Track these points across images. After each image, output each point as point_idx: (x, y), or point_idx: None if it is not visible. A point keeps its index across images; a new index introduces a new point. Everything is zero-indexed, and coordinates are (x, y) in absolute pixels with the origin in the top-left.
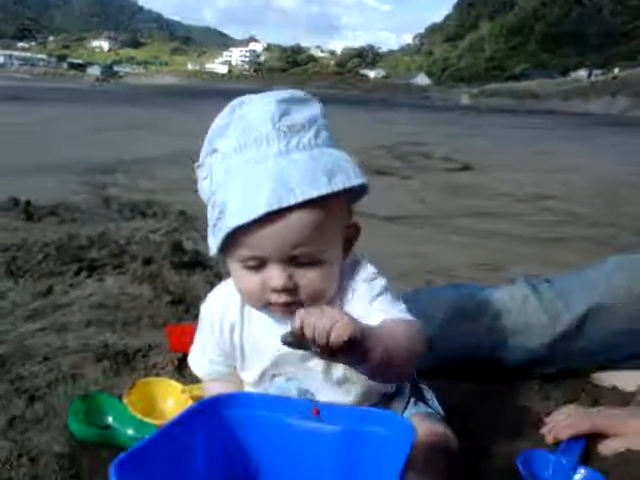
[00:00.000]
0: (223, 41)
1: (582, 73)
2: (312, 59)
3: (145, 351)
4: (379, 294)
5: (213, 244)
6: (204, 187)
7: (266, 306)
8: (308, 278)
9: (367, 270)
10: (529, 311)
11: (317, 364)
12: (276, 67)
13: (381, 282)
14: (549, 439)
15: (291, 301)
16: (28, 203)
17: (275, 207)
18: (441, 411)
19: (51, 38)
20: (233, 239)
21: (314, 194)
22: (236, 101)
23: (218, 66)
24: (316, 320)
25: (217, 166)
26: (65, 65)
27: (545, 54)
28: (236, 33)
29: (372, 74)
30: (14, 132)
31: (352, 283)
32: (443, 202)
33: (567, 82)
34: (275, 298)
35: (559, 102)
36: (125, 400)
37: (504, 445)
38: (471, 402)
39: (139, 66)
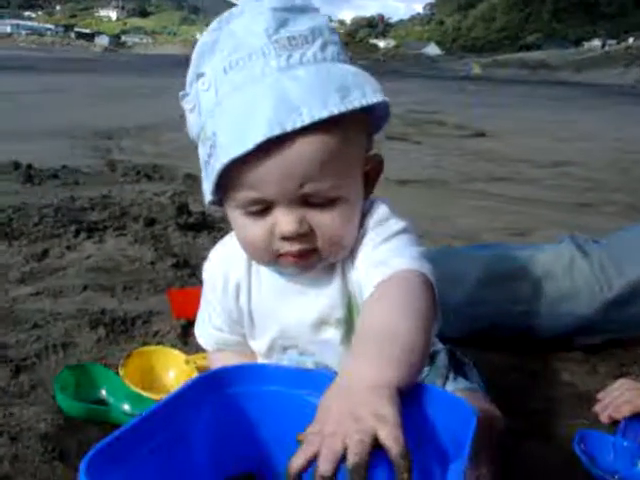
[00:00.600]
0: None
1: (596, 43)
2: None
3: (145, 317)
4: (391, 236)
5: (207, 188)
6: (192, 121)
7: (276, 260)
8: (324, 220)
9: (379, 210)
10: (576, 274)
11: (334, 334)
12: None
13: (396, 224)
14: (604, 418)
15: (306, 248)
16: (29, 166)
17: (277, 132)
18: (481, 383)
19: (58, 7)
20: (229, 179)
21: (324, 114)
22: (224, 15)
23: None
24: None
25: (205, 93)
26: (73, 35)
27: (558, 24)
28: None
29: (382, 44)
30: (19, 100)
31: (364, 227)
32: (459, 167)
33: (580, 52)
34: (287, 247)
35: (572, 73)
36: (121, 371)
37: (552, 425)
38: (506, 376)
39: (147, 36)
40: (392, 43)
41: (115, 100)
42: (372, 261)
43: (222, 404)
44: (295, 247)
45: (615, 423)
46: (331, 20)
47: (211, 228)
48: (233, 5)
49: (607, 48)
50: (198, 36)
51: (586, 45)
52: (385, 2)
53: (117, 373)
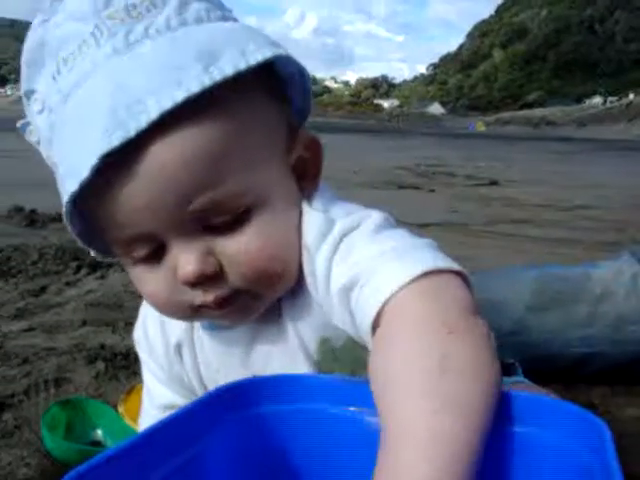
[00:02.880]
0: None
1: (597, 100)
2: (327, 90)
3: None
4: (358, 229)
5: (81, 243)
6: (45, 157)
7: (197, 313)
8: (235, 247)
9: (309, 221)
10: None
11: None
12: None
13: (367, 223)
14: None
15: (226, 293)
16: (33, 211)
17: (116, 142)
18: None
19: None
20: (90, 222)
21: (178, 98)
22: (45, 4)
23: None
24: None
25: (39, 117)
26: None
27: (559, 82)
28: None
29: (386, 104)
30: (23, 156)
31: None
32: (476, 211)
33: (582, 109)
34: (200, 297)
35: (575, 129)
36: (120, 408)
37: (628, 465)
38: None
39: None
40: (396, 103)
41: None
42: (342, 283)
43: (248, 425)
44: (210, 295)
45: None
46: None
47: None
48: None
49: (608, 104)
50: None
51: (587, 102)
52: (389, 63)
53: (116, 410)
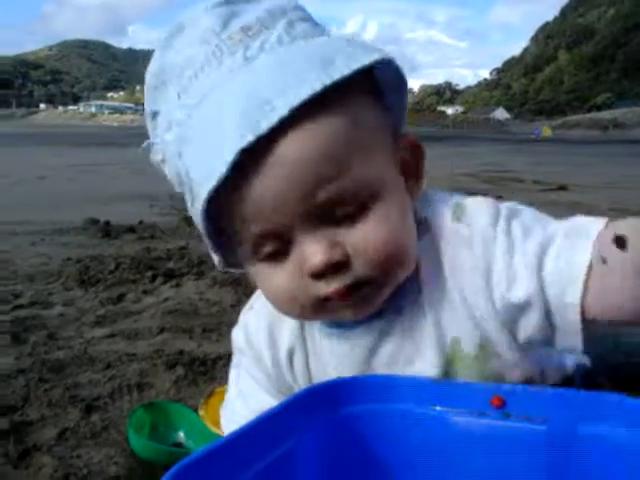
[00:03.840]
0: None
1: None
2: None
3: (227, 359)
4: (523, 220)
5: (210, 249)
6: (169, 173)
7: (321, 309)
8: (360, 234)
9: (479, 207)
10: None
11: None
12: None
13: (521, 214)
14: None
15: (351, 283)
16: (107, 223)
17: (249, 138)
18: None
19: (138, 87)
20: (225, 224)
21: (304, 95)
22: (161, 39)
23: None
24: None
25: (166, 134)
26: None
27: (628, 82)
28: None
29: (450, 110)
30: (100, 170)
31: (465, 240)
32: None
33: None
34: (325, 288)
35: None
36: (201, 412)
37: None
38: None
39: None
40: (460, 109)
41: None
42: (540, 253)
43: (338, 425)
44: (335, 285)
45: None
46: None
47: None
48: None
49: None
50: None
51: None
52: (452, 70)
53: (197, 413)
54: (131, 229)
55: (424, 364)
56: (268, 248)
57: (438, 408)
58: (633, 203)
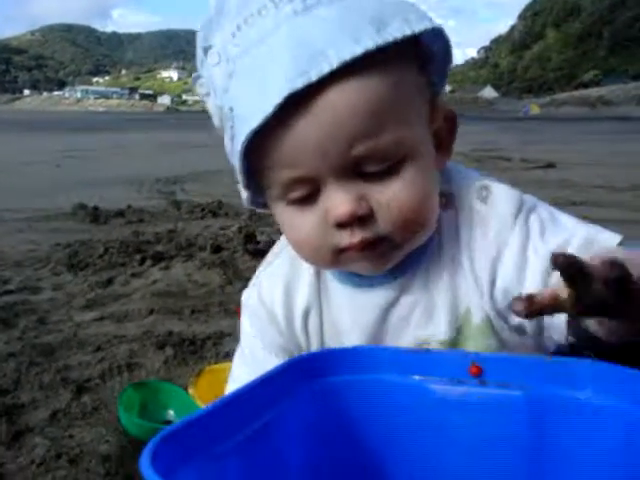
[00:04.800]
0: None
1: None
2: None
3: (216, 339)
4: (542, 212)
5: (241, 183)
6: (212, 109)
7: (339, 259)
8: (388, 193)
9: (505, 194)
10: None
11: (437, 340)
12: None
13: (539, 209)
14: None
15: (372, 237)
16: (95, 208)
17: (299, 84)
18: None
19: (123, 71)
20: (260, 163)
21: (358, 51)
22: None
23: None
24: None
25: (216, 68)
26: (137, 96)
27: (615, 59)
28: None
29: None
30: (86, 156)
31: (485, 221)
32: (534, 194)
33: None
34: (346, 239)
35: (634, 107)
36: (190, 390)
37: None
38: None
39: None
40: (448, 88)
41: (178, 152)
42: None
43: (320, 395)
44: (357, 237)
45: None
46: None
47: None
48: None
49: None
50: None
51: None
52: None
53: (186, 392)
54: (120, 213)
55: (435, 328)
56: (297, 193)
57: (417, 377)
58: (620, 180)
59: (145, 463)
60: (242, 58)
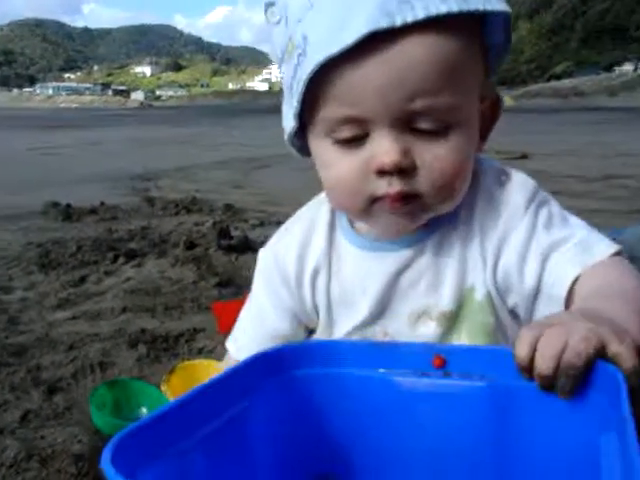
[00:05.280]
0: (262, 59)
1: (627, 67)
2: None
3: (189, 335)
4: (550, 210)
5: (288, 111)
6: (277, 36)
7: (370, 208)
8: (434, 153)
9: (522, 183)
10: None
11: (433, 331)
12: None
13: (551, 204)
14: None
15: (408, 191)
16: (68, 205)
17: (383, 25)
18: None
19: (96, 67)
20: (318, 93)
21: (443, 9)
22: None
23: (258, 84)
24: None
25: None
26: (110, 92)
27: (587, 51)
28: None
29: None
30: (59, 153)
31: (499, 203)
32: None
33: (612, 77)
34: (384, 187)
35: (606, 98)
36: (163, 387)
37: None
38: None
39: (181, 89)
40: None
41: (151, 148)
42: (553, 246)
43: (286, 389)
44: (395, 187)
45: None
46: None
47: (254, 250)
48: (262, 54)
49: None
50: (230, 86)
51: (617, 70)
52: None
53: (159, 389)
54: (92, 211)
55: (440, 298)
56: (347, 132)
57: (382, 370)
58: (592, 170)
59: (106, 461)
60: None
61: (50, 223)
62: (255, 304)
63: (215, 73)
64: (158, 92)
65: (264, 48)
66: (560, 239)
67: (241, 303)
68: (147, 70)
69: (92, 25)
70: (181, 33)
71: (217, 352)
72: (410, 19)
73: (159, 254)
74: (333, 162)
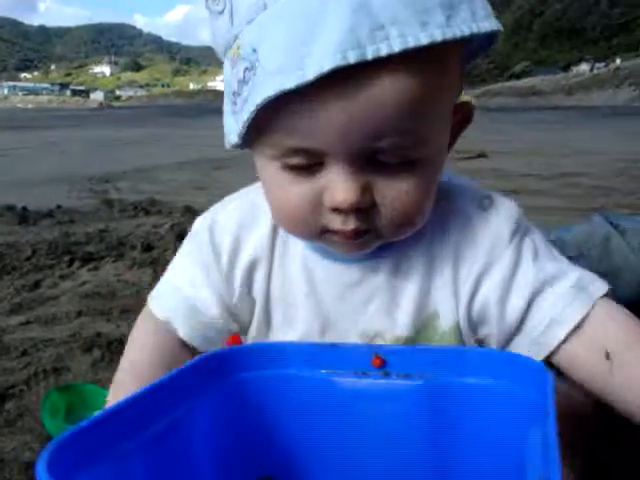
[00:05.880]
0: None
1: (584, 67)
2: None
3: None
4: (536, 242)
5: (233, 127)
6: (218, 29)
7: (319, 238)
8: (394, 190)
9: (507, 210)
10: (613, 254)
11: (393, 334)
12: None
13: (535, 234)
14: None
15: (364, 229)
16: (24, 208)
17: (352, 59)
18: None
19: (53, 67)
20: (270, 118)
21: (423, 40)
22: None
23: (219, 84)
24: None
25: None
26: (68, 92)
27: (545, 51)
28: None
29: None
30: (15, 154)
31: (480, 230)
32: None
33: (569, 77)
34: (338, 223)
35: (563, 97)
36: None
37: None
38: None
39: (141, 89)
40: None
41: (111, 149)
42: (544, 283)
43: (230, 391)
44: (349, 226)
45: None
46: None
47: None
48: None
49: (595, 71)
50: (191, 86)
51: (574, 69)
52: None
53: None
54: (49, 214)
55: (393, 322)
56: (298, 161)
57: (324, 371)
58: (549, 168)
59: (41, 469)
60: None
61: (5, 226)
62: (181, 278)
63: (176, 73)
64: (118, 92)
65: None
66: (550, 276)
67: None
68: (106, 70)
69: (49, 23)
70: (140, 32)
71: None
72: (384, 52)
73: (116, 257)
74: (282, 187)
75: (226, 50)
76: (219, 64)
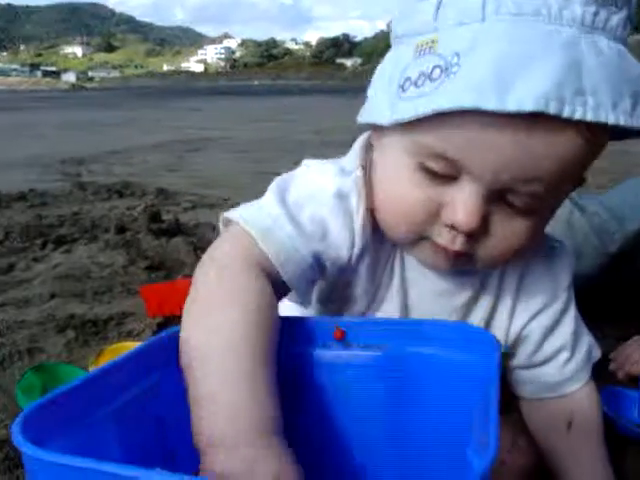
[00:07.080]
0: (197, 40)
1: None
2: (288, 52)
3: (118, 319)
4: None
5: (384, 109)
6: (416, 12)
7: (414, 242)
8: (508, 228)
9: (568, 258)
10: (575, 232)
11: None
12: (252, 62)
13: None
14: (621, 375)
15: (467, 252)
16: None
17: (550, 112)
18: None
19: (22, 47)
20: (435, 118)
21: (610, 119)
22: None
23: (194, 65)
24: None
25: (460, 28)
26: (39, 73)
27: None
28: (210, 31)
29: (349, 62)
30: None
31: (545, 275)
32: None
33: None
34: (445, 239)
35: None
36: (91, 369)
37: None
38: None
39: (115, 70)
40: (359, 61)
41: (84, 131)
42: (575, 339)
43: None
44: (456, 246)
45: (634, 380)
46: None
47: (185, 234)
48: (198, 35)
49: None
50: (165, 67)
51: None
52: (347, 22)
53: (88, 372)
54: (21, 197)
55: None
56: (437, 167)
57: (295, 345)
58: None
59: (16, 431)
60: (502, 18)
61: None
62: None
63: (149, 54)
64: (90, 73)
65: (199, 28)
66: (577, 333)
67: (169, 285)
68: (78, 50)
69: (16, 2)
70: (113, 12)
71: (145, 335)
72: (578, 116)
73: (89, 239)
74: (405, 182)
75: (414, 35)
76: (193, 45)
